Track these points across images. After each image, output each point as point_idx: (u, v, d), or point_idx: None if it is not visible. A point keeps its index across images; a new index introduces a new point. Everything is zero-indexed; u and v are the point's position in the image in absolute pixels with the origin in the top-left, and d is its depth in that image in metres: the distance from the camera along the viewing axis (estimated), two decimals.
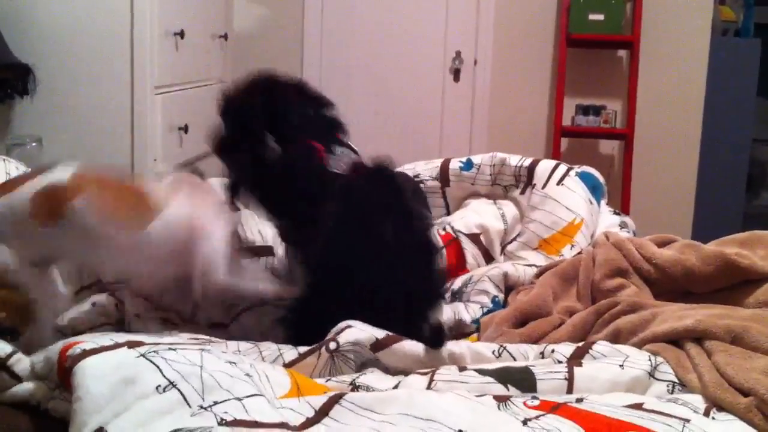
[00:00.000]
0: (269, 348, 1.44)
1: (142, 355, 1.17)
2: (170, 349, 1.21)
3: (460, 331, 1.73)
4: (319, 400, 1.16)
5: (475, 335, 1.73)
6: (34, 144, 2.55)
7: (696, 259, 1.60)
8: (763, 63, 4.50)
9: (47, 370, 1.19)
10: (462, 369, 1.33)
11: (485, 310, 1.79)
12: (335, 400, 1.15)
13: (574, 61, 4.07)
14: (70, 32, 2.61)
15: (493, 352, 1.41)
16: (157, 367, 1.15)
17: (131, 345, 1.22)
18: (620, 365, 1.32)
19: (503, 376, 1.29)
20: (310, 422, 1.12)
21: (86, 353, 1.15)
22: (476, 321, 1.76)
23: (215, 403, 1.11)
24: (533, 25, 4.15)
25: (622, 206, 4.02)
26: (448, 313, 1.75)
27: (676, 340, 1.40)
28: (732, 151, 4.49)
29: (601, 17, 3.87)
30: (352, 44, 4.22)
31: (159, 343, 1.25)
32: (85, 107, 2.63)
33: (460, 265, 2.00)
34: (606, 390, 1.28)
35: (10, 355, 1.21)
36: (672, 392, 1.29)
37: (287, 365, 1.38)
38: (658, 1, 4.03)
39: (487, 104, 4.18)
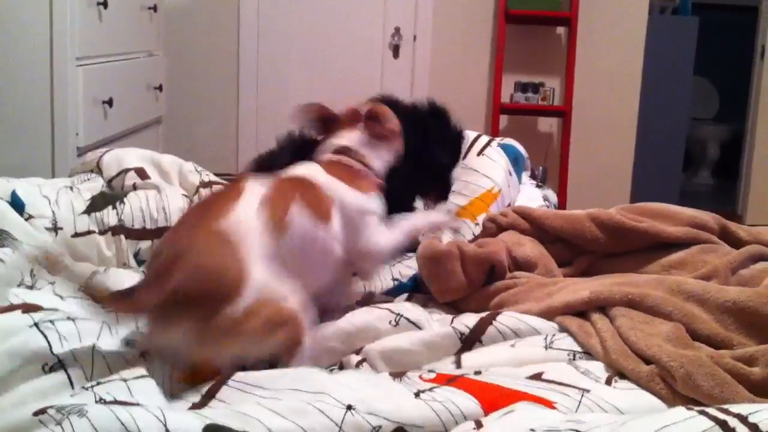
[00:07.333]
0: None
1: (35, 324, 1.14)
2: (68, 319, 1.18)
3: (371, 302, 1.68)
4: (207, 385, 1.12)
5: None
6: None
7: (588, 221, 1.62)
8: (700, 41, 4.54)
9: None
10: None
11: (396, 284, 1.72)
12: (222, 381, 1.11)
13: (513, 38, 4.05)
14: None
15: (390, 322, 1.36)
16: (48, 341, 1.11)
17: (26, 309, 1.19)
18: (511, 345, 1.31)
19: None
20: (196, 406, 1.07)
21: None
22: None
23: (99, 383, 1.08)
24: (472, 0, 4.11)
25: (560, 183, 4.02)
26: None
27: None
28: (669, 129, 4.52)
29: None
30: (290, 20, 4.13)
31: (57, 310, 1.21)
32: (1, 79, 2.52)
33: None
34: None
35: None
36: (574, 359, 1.26)
37: None
38: None
39: (427, 81, 4.13)
